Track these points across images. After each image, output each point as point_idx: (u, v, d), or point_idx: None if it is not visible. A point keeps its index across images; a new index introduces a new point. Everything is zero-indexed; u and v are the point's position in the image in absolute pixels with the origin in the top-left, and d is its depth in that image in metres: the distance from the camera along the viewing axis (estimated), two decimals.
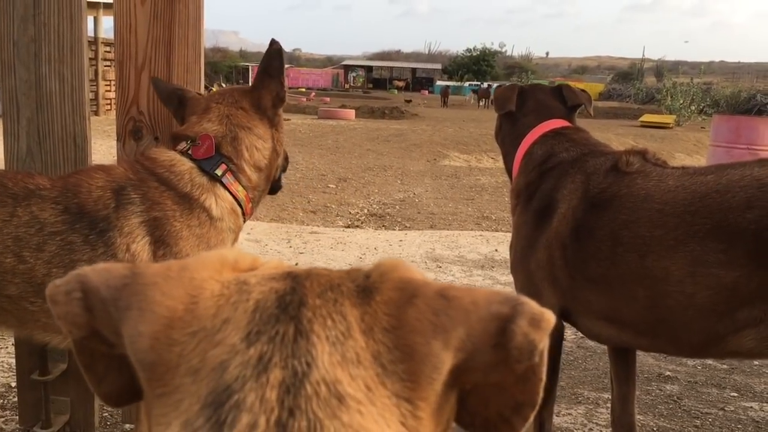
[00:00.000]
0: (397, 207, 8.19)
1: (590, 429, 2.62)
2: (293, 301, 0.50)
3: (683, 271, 1.77)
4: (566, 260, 1.98)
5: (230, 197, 1.85)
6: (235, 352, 0.47)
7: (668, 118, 25.70)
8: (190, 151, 1.83)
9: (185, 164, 1.81)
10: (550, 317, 0.50)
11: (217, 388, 0.46)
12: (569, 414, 2.74)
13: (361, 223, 7.32)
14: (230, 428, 0.43)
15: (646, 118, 26.26)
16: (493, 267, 5.06)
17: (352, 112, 23.60)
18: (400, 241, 5.92)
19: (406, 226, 7.11)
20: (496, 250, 5.54)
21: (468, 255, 5.43)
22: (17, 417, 2.46)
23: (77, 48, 2.06)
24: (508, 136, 2.42)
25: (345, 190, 9.21)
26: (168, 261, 0.54)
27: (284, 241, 5.69)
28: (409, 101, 36.55)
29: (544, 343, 0.49)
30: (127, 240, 1.69)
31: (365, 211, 7.96)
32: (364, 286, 0.52)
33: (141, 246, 1.69)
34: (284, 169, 2.10)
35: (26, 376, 2.31)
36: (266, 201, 7.99)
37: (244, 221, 1.97)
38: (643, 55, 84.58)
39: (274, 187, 2.09)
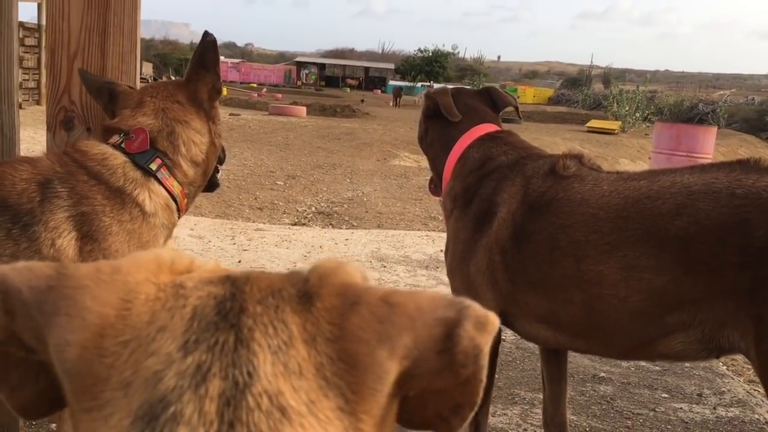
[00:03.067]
0: (345, 206, 8.17)
1: (524, 429, 2.65)
2: (233, 307, 0.48)
3: (616, 275, 1.80)
4: (506, 264, 1.99)
5: (165, 192, 1.81)
6: (171, 361, 0.44)
7: (614, 124, 26.30)
8: (123, 145, 1.78)
9: (118, 158, 1.76)
10: (494, 320, 0.50)
11: (150, 400, 0.43)
12: (505, 414, 2.76)
13: (308, 221, 7.28)
14: (156, 422, 0.41)
15: (593, 123, 26.81)
16: (437, 267, 5.09)
17: (303, 109, 23.47)
18: (346, 240, 5.90)
19: (353, 225, 7.09)
20: (442, 251, 5.56)
21: (413, 255, 5.45)
22: None
23: (6, 33, 1.98)
24: (437, 141, 2.40)
25: (293, 188, 9.14)
26: (98, 262, 0.50)
27: (228, 237, 5.61)
28: (362, 101, 36.58)
29: (488, 347, 0.49)
30: (52, 235, 1.63)
31: (313, 209, 7.91)
32: (304, 291, 0.49)
33: (67, 241, 1.64)
34: (221, 161, 2.07)
35: None
36: (212, 197, 7.88)
37: (179, 217, 1.93)
38: (592, 62, 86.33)
39: (211, 184, 2.06)
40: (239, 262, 4.86)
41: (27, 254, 1.60)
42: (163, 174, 1.80)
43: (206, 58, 1.83)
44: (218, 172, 2.06)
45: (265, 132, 15.95)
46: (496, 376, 3.02)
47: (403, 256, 5.40)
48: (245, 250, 5.22)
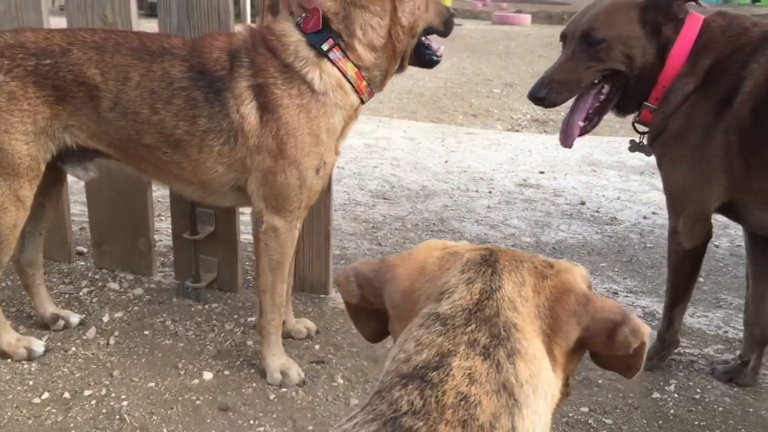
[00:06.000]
0: (563, 113, 7.88)
1: (725, 331, 2.49)
2: (491, 258, 0.84)
3: None
4: (743, 145, 1.88)
5: (337, 73, 1.88)
6: (453, 276, 0.82)
7: None
8: (301, 24, 1.88)
9: (294, 36, 1.87)
10: (645, 331, 0.80)
11: (441, 288, 0.81)
12: (705, 316, 2.61)
13: (522, 128, 7.16)
14: (447, 298, 0.79)
15: None
16: (653, 173, 4.79)
17: (528, 17, 22.64)
18: (557, 144, 5.73)
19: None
20: None
21: (628, 161, 5.17)
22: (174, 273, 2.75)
23: None
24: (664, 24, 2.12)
25: (510, 96, 8.98)
26: (400, 254, 0.90)
27: (438, 140, 5.72)
28: None
29: (638, 345, 0.79)
30: (237, 102, 1.80)
31: (528, 116, 7.74)
32: (542, 271, 0.83)
33: (249, 109, 1.80)
34: (448, 26, 2.06)
35: (179, 237, 2.57)
36: (426, 102, 8.01)
37: (362, 102, 1.98)
38: None
39: (424, 61, 2.05)
40: (446, 162, 4.96)
41: (219, 116, 1.80)
42: (335, 55, 1.86)
43: None
44: (431, 49, 2.05)
45: (486, 41, 15.68)
46: (702, 279, 2.84)
47: (616, 161, 5.15)
48: (453, 152, 5.30)
